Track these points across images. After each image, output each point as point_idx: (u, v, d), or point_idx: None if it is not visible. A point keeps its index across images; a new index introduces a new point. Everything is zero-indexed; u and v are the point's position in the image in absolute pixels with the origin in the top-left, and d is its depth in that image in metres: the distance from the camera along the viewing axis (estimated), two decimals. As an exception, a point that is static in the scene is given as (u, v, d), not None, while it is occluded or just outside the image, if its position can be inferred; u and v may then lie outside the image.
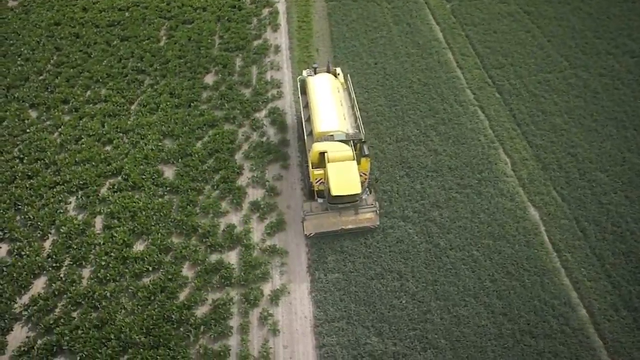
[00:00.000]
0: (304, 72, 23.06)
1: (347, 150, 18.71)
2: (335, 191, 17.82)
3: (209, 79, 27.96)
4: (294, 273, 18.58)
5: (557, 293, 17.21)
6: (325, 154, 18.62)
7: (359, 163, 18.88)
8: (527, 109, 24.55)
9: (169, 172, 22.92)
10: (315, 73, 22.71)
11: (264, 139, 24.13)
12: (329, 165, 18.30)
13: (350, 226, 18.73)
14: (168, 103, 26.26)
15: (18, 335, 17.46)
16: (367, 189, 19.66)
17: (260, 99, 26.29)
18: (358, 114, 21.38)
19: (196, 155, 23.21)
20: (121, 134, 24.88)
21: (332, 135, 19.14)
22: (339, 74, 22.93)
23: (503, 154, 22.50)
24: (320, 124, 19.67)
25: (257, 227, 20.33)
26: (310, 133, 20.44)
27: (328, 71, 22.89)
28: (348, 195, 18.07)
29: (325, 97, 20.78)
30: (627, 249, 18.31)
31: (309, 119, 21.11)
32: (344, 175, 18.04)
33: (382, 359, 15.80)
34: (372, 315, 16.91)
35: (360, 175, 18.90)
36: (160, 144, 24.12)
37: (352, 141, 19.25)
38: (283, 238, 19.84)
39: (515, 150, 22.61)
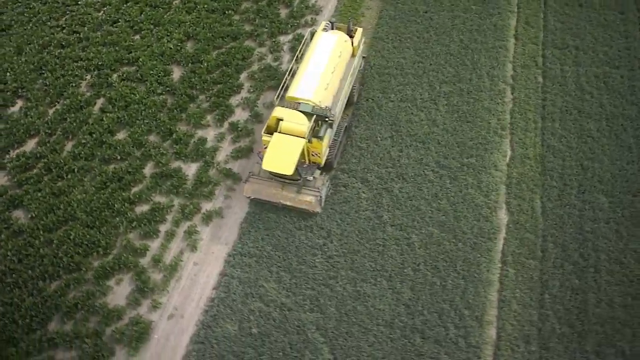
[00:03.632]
0: (322, 24, 21.08)
1: (302, 125, 16.81)
2: (265, 165, 16.50)
3: (255, -10, 27.07)
4: (236, 200, 18.79)
5: (473, 304, 15.83)
6: (280, 121, 17.08)
7: (310, 141, 17.12)
8: (563, 103, 21.27)
9: (176, 74, 23.41)
10: (332, 28, 20.72)
11: (276, 64, 23.49)
12: (274, 135, 16.86)
13: (288, 203, 17.48)
14: (206, 6, 26.15)
15: (-3, 181, 19.84)
16: (313, 170, 17.73)
17: (292, 22, 25.29)
18: (346, 89, 19.24)
19: (205, 64, 23.32)
20: (152, 26, 25.48)
21: (299, 103, 17.49)
22: (354, 36, 20.45)
23: (507, 145, 20.06)
24: (295, 89, 17.89)
25: (226, 148, 20.52)
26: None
27: (349, 30, 20.62)
28: (282, 172, 16.58)
29: (319, 60, 18.65)
30: (579, 286, 16.09)
31: None
32: (283, 151, 16.48)
33: (268, 305, 15.95)
34: (281, 262, 16.87)
35: (313, 155, 17.47)
36: (180, 44, 24.42)
37: (315, 116, 17.39)
38: (244, 165, 19.90)
39: (523, 144, 20.02)
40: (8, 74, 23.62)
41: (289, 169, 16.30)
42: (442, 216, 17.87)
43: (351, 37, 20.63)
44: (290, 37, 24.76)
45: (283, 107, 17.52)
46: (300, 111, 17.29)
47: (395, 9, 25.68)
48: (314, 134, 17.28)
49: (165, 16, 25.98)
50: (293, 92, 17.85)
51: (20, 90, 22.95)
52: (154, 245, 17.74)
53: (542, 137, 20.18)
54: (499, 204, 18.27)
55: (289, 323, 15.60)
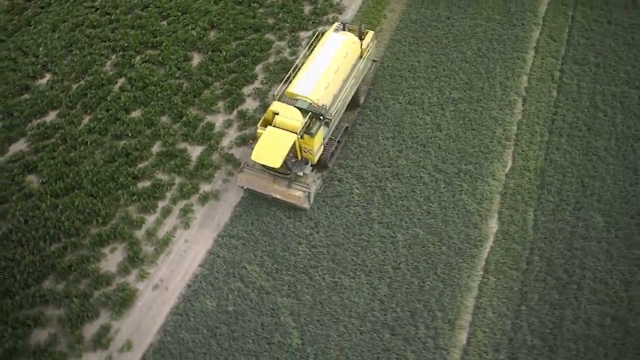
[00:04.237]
0: (335, 25, 21.29)
1: (297, 121, 17.11)
2: (254, 156, 16.84)
3: (284, -15, 27.76)
4: (234, 184, 19.52)
5: (448, 307, 15.99)
6: (276, 115, 17.43)
7: (302, 137, 17.36)
8: (574, 119, 21.02)
9: (196, 60, 24.45)
10: (344, 29, 20.86)
11: (293, 58, 24.17)
12: (267, 128, 17.22)
13: (278, 196, 17.88)
14: (233, -3, 27.12)
15: (17, 147, 21.36)
16: (303, 166, 17.98)
17: (314, 19, 25.94)
18: (348, 90, 19.33)
19: (224, 53, 24.27)
20: (180, 14, 26.66)
21: (296, 100, 17.82)
22: (363, 39, 20.55)
23: (508, 156, 20.02)
24: (295, 85, 18.15)
25: (232, 134, 21.33)
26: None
27: (360, 33, 20.78)
28: (267, 165, 16.98)
29: (323, 59, 18.83)
30: (558, 301, 16.00)
31: None
32: (273, 144, 16.76)
33: (247, 286, 16.60)
34: (266, 247, 17.49)
35: (305, 152, 17.72)
36: (204, 32, 25.47)
37: (311, 113, 17.63)
38: (246, 152, 20.53)
39: (525, 156, 19.93)
40: (41, 48, 25.29)
41: (276, 163, 16.63)
42: (431, 219, 18.06)
43: (362, 39, 20.95)
44: (310, 33, 25.37)
45: (281, 101, 17.96)
46: (297, 107, 17.66)
47: (417, 12, 25.94)
48: (307, 130, 17.56)
49: (193, 5, 27.13)
50: (292, 88, 18.21)
51: (50, 65, 24.53)
52: (150, 219, 18.70)
53: (546, 151, 20.03)
54: (490, 213, 18.30)
55: (264, 305, 16.20)
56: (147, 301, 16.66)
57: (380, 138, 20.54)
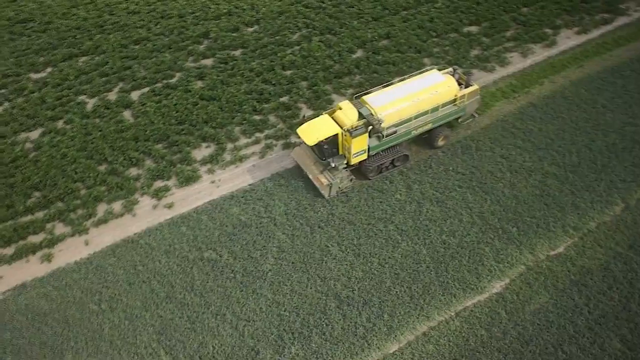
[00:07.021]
0: (450, 68, 21.69)
1: (349, 120, 18.45)
2: (299, 129, 18.63)
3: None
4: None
5: (398, 317, 15.69)
6: (339, 110, 18.84)
7: (345, 135, 18.24)
8: (667, 247, 17.65)
9: (356, 54, 27.33)
10: (453, 75, 21.12)
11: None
12: (324, 115, 18.80)
13: (310, 176, 19.16)
14: (420, 22, 29.24)
15: (206, 62, 27.22)
16: (335, 159, 18.88)
17: (473, 61, 26.49)
18: (419, 124, 19.62)
19: (379, 57, 26.84)
20: (371, 19, 29.88)
21: (363, 106, 18.86)
22: (465, 86, 20.80)
23: (562, 243, 17.96)
24: (371, 95, 19.18)
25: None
26: None
27: (467, 82, 20.93)
28: (305, 140, 18.29)
29: (411, 87, 19.45)
30: (503, 377, 14.33)
31: None
32: (319, 127, 18.24)
33: (265, 212, 18.90)
34: (299, 196, 19.47)
35: (344, 147, 18.59)
36: (377, 38, 28.22)
37: (366, 120, 18.40)
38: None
39: (581, 251, 17.66)
40: (263, 9, 31.22)
41: (310, 141, 18.17)
42: (442, 248, 17.60)
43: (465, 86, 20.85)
44: (458, 70, 25.85)
45: (353, 103, 19.24)
46: (359, 112, 18.75)
47: (574, 91, 24.30)
48: (351, 130, 18.26)
49: (385, 17, 30.03)
50: (368, 97, 19.31)
51: (260, 20, 30.24)
52: (243, 140, 22.36)
53: (610, 259, 17.33)
54: (501, 275, 16.92)
55: (266, 230, 18.26)
56: (201, 187, 20.30)
57: (451, 169, 20.42)
